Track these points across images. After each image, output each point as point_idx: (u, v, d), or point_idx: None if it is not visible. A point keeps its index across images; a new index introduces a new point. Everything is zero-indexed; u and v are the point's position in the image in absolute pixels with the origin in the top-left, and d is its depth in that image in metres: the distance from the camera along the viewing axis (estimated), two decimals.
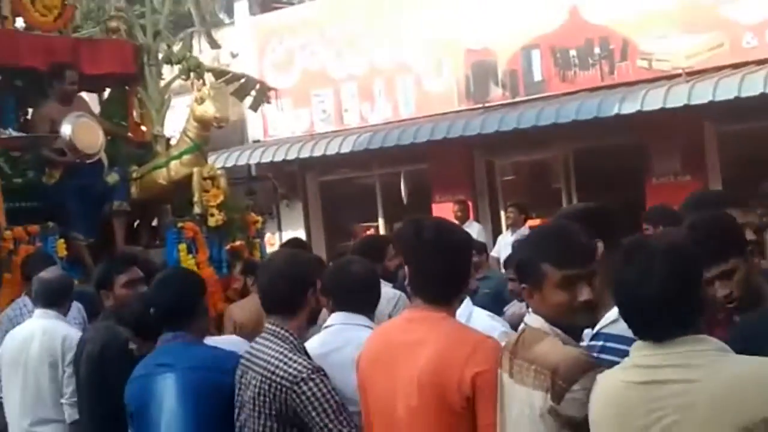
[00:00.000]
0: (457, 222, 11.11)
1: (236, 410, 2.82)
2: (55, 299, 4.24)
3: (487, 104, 11.07)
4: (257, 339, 2.86)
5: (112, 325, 3.51)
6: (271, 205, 13.83)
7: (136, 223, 6.99)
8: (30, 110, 7.11)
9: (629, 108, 9.34)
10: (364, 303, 2.99)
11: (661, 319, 1.79)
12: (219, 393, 2.86)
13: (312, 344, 2.92)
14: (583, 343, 2.26)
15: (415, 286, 2.48)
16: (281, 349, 2.73)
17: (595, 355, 2.15)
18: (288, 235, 13.36)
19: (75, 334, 4.09)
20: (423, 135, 10.93)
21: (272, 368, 2.68)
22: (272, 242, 13.76)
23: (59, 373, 4.04)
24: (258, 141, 13.43)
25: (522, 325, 2.25)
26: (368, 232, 13.69)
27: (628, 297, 1.83)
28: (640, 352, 1.84)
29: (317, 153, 11.99)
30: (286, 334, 2.77)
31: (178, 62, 7.39)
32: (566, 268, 2.13)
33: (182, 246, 6.02)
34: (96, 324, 3.88)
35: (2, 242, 5.11)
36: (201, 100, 6.30)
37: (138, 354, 3.25)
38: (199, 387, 2.89)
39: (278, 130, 13.18)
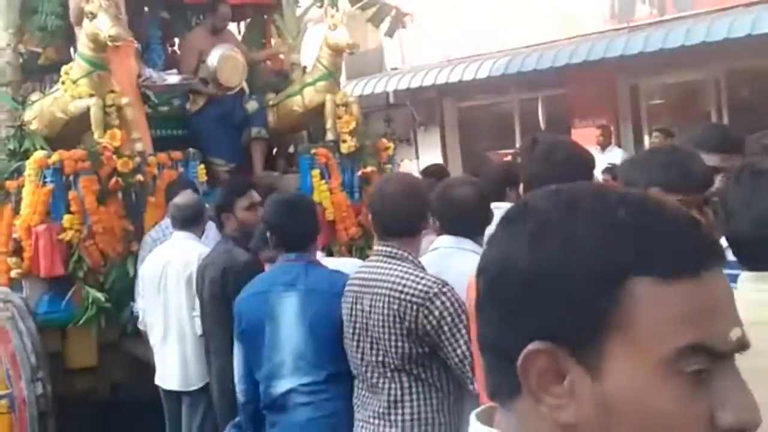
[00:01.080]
0: (598, 147, 10.92)
1: (351, 334, 2.88)
2: (188, 222, 4.47)
3: (631, 24, 10.57)
4: (368, 262, 2.91)
5: (231, 248, 3.67)
6: (408, 131, 13.89)
7: (274, 150, 7.21)
8: (176, 41, 7.41)
9: None
10: (471, 227, 2.95)
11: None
12: (334, 315, 2.95)
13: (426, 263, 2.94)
14: None
15: None
16: (405, 268, 2.75)
17: None
18: (425, 161, 13.42)
19: (206, 251, 4.30)
20: (562, 58, 10.59)
21: (400, 287, 2.69)
22: (410, 169, 13.88)
23: (193, 288, 4.27)
24: (395, 68, 13.43)
25: None
26: (506, 159, 13.58)
27: (734, 222, 1.69)
28: (747, 285, 1.67)
29: (454, 79, 11.87)
30: (407, 255, 2.81)
31: None
32: (676, 192, 1.99)
33: (315, 172, 6.14)
34: (216, 247, 4.06)
35: (147, 167, 5.38)
36: (334, 27, 6.34)
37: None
38: (319, 308, 3.00)
39: (415, 56, 13.12)
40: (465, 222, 2.95)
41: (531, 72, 10.97)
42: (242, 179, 4.37)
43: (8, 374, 5.03)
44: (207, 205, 4.72)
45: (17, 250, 5.20)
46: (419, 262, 2.83)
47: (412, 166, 13.86)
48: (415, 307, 2.65)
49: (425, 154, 13.57)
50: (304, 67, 7.17)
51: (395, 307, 2.69)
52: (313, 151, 6.24)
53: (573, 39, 10.96)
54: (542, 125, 12.18)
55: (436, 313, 2.64)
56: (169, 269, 4.37)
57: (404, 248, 2.82)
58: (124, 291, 5.09)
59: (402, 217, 2.84)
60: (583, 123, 11.31)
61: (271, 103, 6.82)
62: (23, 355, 4.93)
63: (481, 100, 13.19)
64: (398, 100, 13.48)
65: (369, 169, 6.32)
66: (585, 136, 10.67)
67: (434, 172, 7.68)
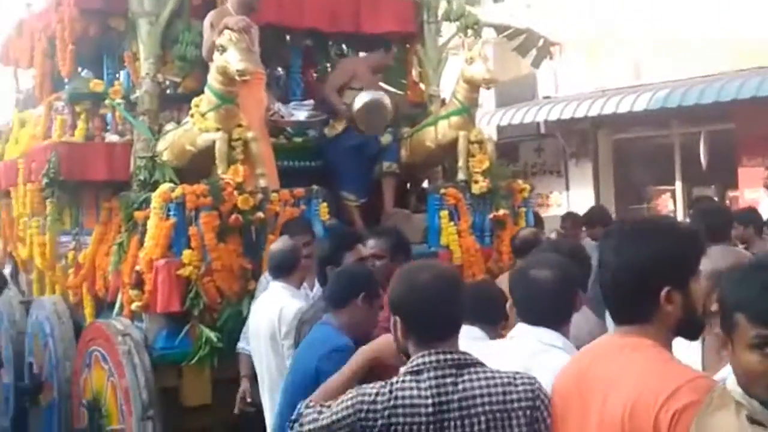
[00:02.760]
0: (765, 190, 10.03)
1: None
2: (282, 271, 4.26)
3: None
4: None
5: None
6: (559, 163, 13.34)
7: (407, 186, 6.97)
8: (314, 70, 7.33)
9: None
10: (552, 315, 2.54)
11: None
12: None
13: (499, 355, 2.51)
14: None
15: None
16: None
17: None
18: (576, 194, 12.84)
19: (292, 306, 4.07)
20: (729, 92, 9.79)
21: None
22: (559, 202, 13.32)
23: (278, 345, 4.05)
24: (548, 97, 12.94)
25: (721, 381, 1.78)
26: (663, 196, 12.77)
27: None
28: None
29: (609, 110, 11.26)
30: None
31: (457, 19, 7.15)
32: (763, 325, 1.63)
33: (444, 213, 5.85)
34: (316, 303, 3.81)
35: (269, 204, 5.26)
36: (471, 60, 6.03)
37: None
38: None
39: (569, 85, 12.58)
40: (544, 309, 2.53)
41: (693, 105, 10.21)
42: (350, 231, 4.10)
43: (122, 409, 5.01)
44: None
45: (139, 283, 5.19)
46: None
47: (561, 198, 13.32)
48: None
49: (576, 187, 12.99)
50: (443, 99, 6.92)
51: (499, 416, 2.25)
52: (442, 190, 5.95)
53: (742, 72, 10.12)
54: (703, 162, 11.33)
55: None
56: (261, 321, 4.18)
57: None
58: (237, 331, 4.96)
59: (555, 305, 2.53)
60: (750, 162, 10.42)
61: (405, 136, 6.60)
62: (136, 391, 4.89)
63: (638, 132, 12.46)
64: (549, 129, 12.97)
65: (501, 212, 5.97)
66: (752, 175, 9.84)
67: (600, 219, 7.18)
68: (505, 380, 2.23)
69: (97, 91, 6.06)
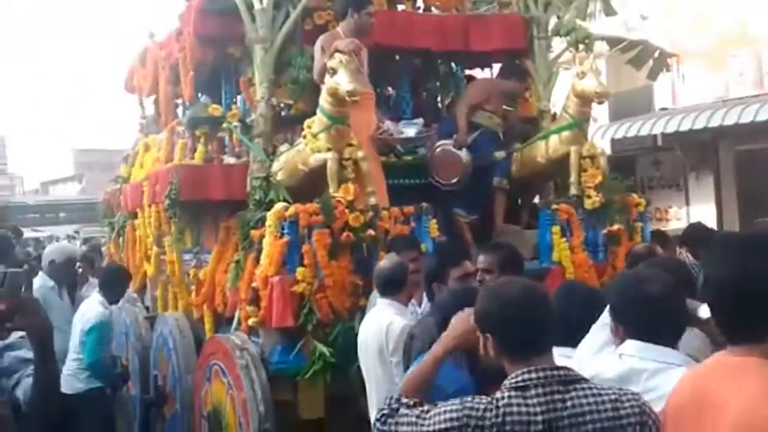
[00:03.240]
0: None
1: None
2: (388, 288, 4.30)
3: None
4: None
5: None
6: (678, 176, 12.95)
7: (518, 201, 6.93)
8: (423, 89, 7.40)
9: None
10: (668, 332, 2.46)
11: None
12: None
13: (604, 373, 2.46)
14: None
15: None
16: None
17: None
18: (696, 210, 12.42)
19: (398, 323, 4.09)
20: None
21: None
22: (678, 216, 12.91)
23: (386, 361, 4.08)
24: (665, 108, 12.59)
25: None
26: None
27: None
28: None
29: (731, 121, 10.86)
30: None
31: (567, 34, 7.07)
32: None
33: (555, 228, 5.78)
34: (424, 319, 3.83)
35: (379, 222, 5.33)
36: (582, 75, 5.96)
37: None
38: None
39: (688, 96, 12.21)
40: (654, 325, 2.44)
41: None
42: (456, 247, 4.11)
43: (240, 422, 5.17)
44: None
45: (255, 299, 5.35)
46: None
47: (681, 213, 12.91)
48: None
49: (696, 202, 12.56)
50: (554, 114, 6.86)
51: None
52: (554, 206, 5.89)
53: None
54: None
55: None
56: (369, 337, 4.23)
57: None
58: (349, 347, 5.03)
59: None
60: None
61: (515, 151, 6.58)
62: (253, 404, 5.03)
63: (763, 143, 11.95)
64: (667, 142, 12.61)
65: (616, 227, 5.84)
66: None
67: (700, 237, 6.86)
68: (613, 396, 2.21)
69: (215, 116, 6.30)
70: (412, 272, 4.38)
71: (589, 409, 2.18)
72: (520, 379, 2.23)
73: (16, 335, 2.55)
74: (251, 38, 6.06)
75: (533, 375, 2.22)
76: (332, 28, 6.11)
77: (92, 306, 6.30)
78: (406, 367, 3.68)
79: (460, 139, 6.43)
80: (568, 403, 2.17)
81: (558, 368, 2.25)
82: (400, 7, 7.30)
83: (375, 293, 4.87)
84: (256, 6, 6.04)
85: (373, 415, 4.19)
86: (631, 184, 7.17)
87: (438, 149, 6.37)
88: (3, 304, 2.29)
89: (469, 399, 2.27)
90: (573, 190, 5.98)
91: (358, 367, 4.73)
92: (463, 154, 6.39)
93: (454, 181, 6.33)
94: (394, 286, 4.30)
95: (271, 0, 6.04)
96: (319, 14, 6.20)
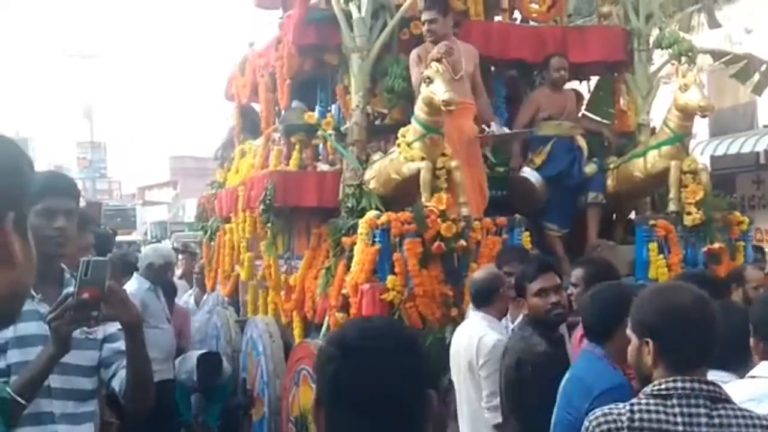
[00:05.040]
0: None
1: None
2: (482, 300, 4.23)
3: None
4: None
5: (530, 335, 3.35)
6: None
7: (614, 216, 6.77)
8: (518, 100, 7.32)
9: None
10: None
11: None
12: None
13: (739, 394, 2.35)
14: None
15: None
16: None
17: None
18: None
19: (491, 336, 4.02)
20: None
21: None
22: None
23: (476, 375, 4.01)
24: None
25: None
26: None
27: None
28: None
29: None
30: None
31: (669, 46, 6.90)
32: None
33: (653, 245, 5.62)
34: (517, 332, 3.76)
35: (471, 233, 5.28)
36: (685, 87, 5.78)
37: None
38: None
39: None
40: None
41: None
42: (538, 261, 3.98)
43: None
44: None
45: (345, 306, 5.37)
46: None
47: None
48: None
49: None
50: (653, 128, 6.69)
51: None
52: (651, 222, 5.72)
53: None
54: None
55: None
56: (460, 350, 4.17)
57: None
58: (439, 358, 4.98)
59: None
60: None
61: (611, 166, 6.43)
62: None
63: None
64: None
65: (717, 245, 5.64)
66: None
67: None
68: (765, 423, 2.11)
69: (310, 123, 6.37)
70: (509, 287, 4.29)
71: (737, 430, 2.09)
72: (663, 387, 2.15)
73: (114, 326, 2.57)
74: (348, 47, 6.11)
75: (679, 384, 2.14)
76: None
77: None
78: (500, 380, 3.63)
79: (515, 162, 6.35)
80: (715, 420, 2.10)
81: (708, 383, 2.16)
82: (497, 19, 7.27)
83: (470, 306, 4.83)
84: (355, 15, 6.09)
85: (464, 427, 4.15)
86: (733, 202, 6.93)
87: (513, 174, 6.26)
88: (87, 293, 2.22)
89: (604, 407, 2.21)
90: (672, 206, 5.82)
91: (449, 379, 4.69)
92: (533, 177, 6.25)
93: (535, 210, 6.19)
94: (487, 298, 4.24)
95: (369, 10, 6.09)
96: (416, 24, 6.20)
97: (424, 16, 5.96)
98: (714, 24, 8.74)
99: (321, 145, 6.51)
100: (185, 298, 8.62)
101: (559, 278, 3.88)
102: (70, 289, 2.28)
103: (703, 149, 11.93)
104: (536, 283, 3.69)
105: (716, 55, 7.92)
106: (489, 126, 6.16)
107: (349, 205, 5.80)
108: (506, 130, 6.36)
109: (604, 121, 7.10)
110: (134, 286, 6.28)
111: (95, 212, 10.51)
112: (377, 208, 5.57)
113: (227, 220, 7.71)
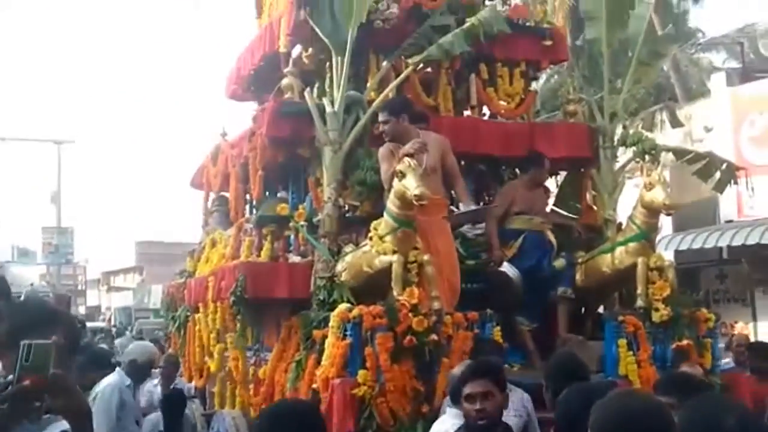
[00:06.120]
0: None
1: None
2: (456, 396, 4.19)
3: None
4: None
5: None
6: (744, 291, 12.64)
7: (582, 311, 6.82)
8: (486, 193, 7.43)
9: None
10: None
11: None
12: None
13: None
14: None
15: None
16: None
17: None
18: (764, 326, 12.05)
19: None
20: None
21: None
22: (745, 332, 12.52)
23: None
24: (731, 221, 12.42)
25: None
26: None
27: None
28: None
29: None
30: None
31: (633, 144, 7.11)
32: None
33: (622, 341, 5.66)
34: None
35: (443, 327, 5.29)
36: (650, 186, 5.93)
37: None
38: None
39: (755, 209, 12.04)
40: None
41: None
42: (472, 366, 3.94)
43: None
44: None
45: (315, 402, 5.29)
46: None
47: (748, 329, 12.53)
48: None
49: (764, 317, 12.22)
50: (620, 224, 6.81)
51: None
52: (620, 317, 5.78)
53: None
54: None
55: None
56: None
57: None
58: None
59: None
60: None
61: (580, 260, 6.52)
62: None
63: None
64: (733, 255, 12.38)
65: (685, 342, 5.69)
66: None
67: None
68: None
69: (282, 215, 6.40)
70: None
71: None
72: None
73: (60, 427, 2.30)
74: (321, 140, 6.21)
75: None
76: None
77: None
78: None
79: (495, 256, 6.39)
80: None
81: None
82: (466, 113, 7.44)
83: (447, 400, 4.79)
84: (328, 110, 6.21)
85: None
86: (700, 299, 7.03)
87: (491, 269, 6.32)
88: (28, 380, 1.92)
89: None
90: (640, 302, 5.88)
91: None
92: (511, 271, 6.31)
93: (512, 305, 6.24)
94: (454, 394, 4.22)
95: (342, 104, 6.21)
96: None
97: (379, 117, 6.08)
98: (676, 123, 9.02)
99: (293, 237, 6.53)
100: (149, 387, 8.42)
101: (497, 383, 3.83)
102: (9, 377, 1.97)
103: (667, 244, 12.15)
104: (466, 388, 3.68)
105: (678, 153, 8.14)
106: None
107: (321, 297, 5.79)
108: (470, 206, 6.42)
109: (572, 215, 7.22)
110: (113, 379, 6.07)
111: (64, 305, 10.30)
112: (349, 301, 5.56)
113: (196, 310, 7.63)
